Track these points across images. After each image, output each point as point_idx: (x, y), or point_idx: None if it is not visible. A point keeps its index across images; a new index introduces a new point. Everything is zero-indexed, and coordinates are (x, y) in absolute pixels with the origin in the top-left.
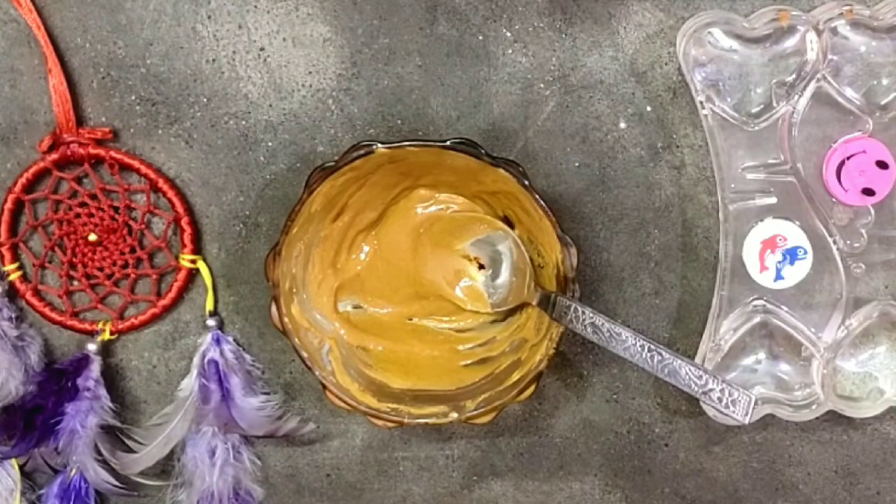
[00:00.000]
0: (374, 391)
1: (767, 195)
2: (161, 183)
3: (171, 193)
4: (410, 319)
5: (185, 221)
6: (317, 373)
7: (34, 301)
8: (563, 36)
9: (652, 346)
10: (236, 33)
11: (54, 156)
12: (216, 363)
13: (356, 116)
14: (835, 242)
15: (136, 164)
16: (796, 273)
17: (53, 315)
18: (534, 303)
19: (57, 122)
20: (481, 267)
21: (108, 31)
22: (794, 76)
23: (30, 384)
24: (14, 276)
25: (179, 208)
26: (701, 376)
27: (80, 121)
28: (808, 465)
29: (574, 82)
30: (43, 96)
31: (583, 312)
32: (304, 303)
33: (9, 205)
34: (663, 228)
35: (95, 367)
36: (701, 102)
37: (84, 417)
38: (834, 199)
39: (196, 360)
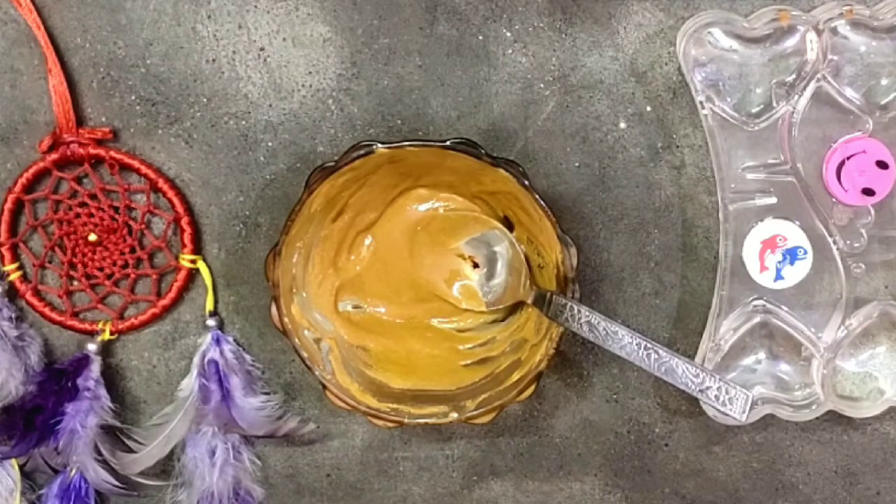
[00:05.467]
0: (374, 391)
1: (767, 195)
2: (161, 183)
3: (171, 193)
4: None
5: (185, 221)
6: (317, 373)
7: (34, 301)
8: (563, 36)
9: (649, 345)
10: (236, 33)
11: (54, 156)
12: (216, 363)
13: (356, 116)
14: (835, 242)
15: (136, 164)
16: (796, 273)
17: (53, 315)
18: (529, 301)
19: (57, 122)
20: (476, 266)
21: (108, 31)
22: (794, 76)
23: (30, 384)
24: (14, 276)
25: (179, 208)
26: (698, 374)
27: (80, 121)
28: (808, 465)
29: (574, 82)
30: (43, 96)
31: (578, 311)
32: (304, 303)
33: (9, 205)
34: (663, 228)
35: (95, 367)
36: (701, 102)
37: (84, 417)
38: (834, 199)
39: (196, 360)
